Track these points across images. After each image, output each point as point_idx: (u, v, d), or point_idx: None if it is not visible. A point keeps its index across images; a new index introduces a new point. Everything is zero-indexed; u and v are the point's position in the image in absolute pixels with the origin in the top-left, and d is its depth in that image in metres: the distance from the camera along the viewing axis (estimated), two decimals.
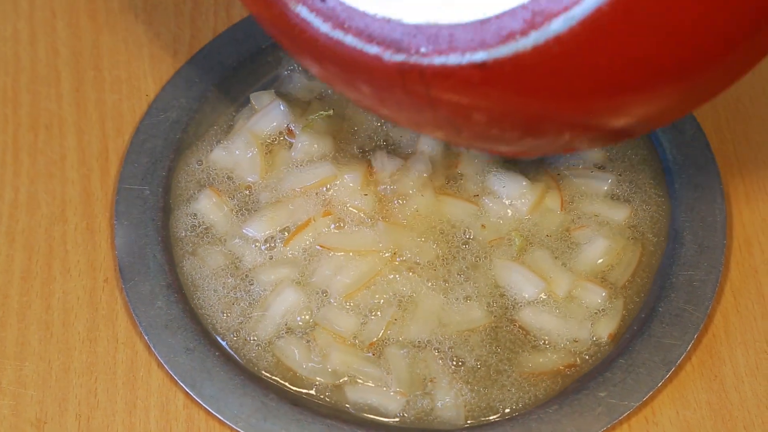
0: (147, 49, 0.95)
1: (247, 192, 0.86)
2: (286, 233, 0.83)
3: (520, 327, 0.80)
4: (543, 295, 0.81)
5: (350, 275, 0.81)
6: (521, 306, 0.81)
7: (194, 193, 0.86)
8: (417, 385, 0.78)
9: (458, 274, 0.82)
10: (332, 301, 0.81)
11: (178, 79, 0.92)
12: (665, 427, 0.77)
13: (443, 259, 0.82)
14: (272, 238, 0.83)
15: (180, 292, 0.81)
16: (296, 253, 0.83)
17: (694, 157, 0.88)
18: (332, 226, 0.83)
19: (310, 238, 0.83)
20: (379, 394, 0.78)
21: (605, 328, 0.80)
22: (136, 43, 0.95)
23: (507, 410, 0.77)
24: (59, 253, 0.84)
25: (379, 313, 0.80)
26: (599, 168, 0.87)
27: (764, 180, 0.88)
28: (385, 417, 0.77)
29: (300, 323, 0.80)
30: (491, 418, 0.77)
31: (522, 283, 0.81)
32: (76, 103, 0.92)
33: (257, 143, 0.87)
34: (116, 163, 0.89)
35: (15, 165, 0.89)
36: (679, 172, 0.87)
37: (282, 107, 0.87)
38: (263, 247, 0.83)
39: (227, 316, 0.81)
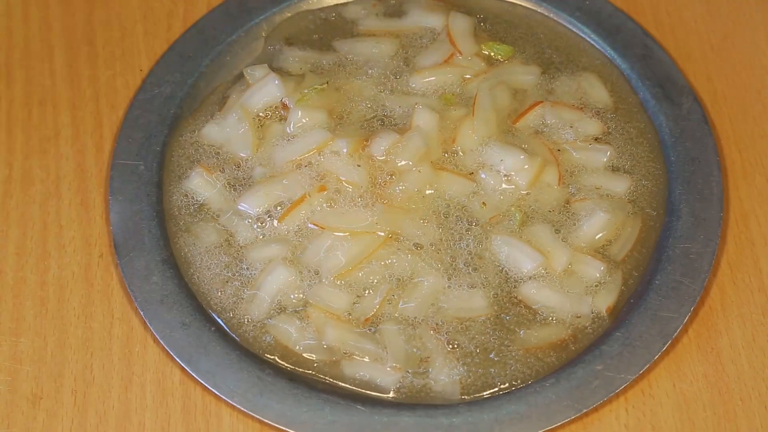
0: (141, 25, 0.94)
1: (239, 167, 0.85)
2: (280, 208, 0.83)
3: (524, 306, 0.80)
4: (543, 270, 0.81)
5: (344, 255, 0.80)
6: (522, 282, 0.80)
7: (187, 170, 0.85)
8: (413, 361, 0.78)
9: (465, 265, 0.81)
10: (324, 280, 0.80)
11: (172, 54, 0.91)
12: (662, 399, 0.77)
13: (446, 243, 0.82)
14: (266, 214, 0.83)
15: (175, 267, 0.81)
16: (290, 229, 0.82)
17: (691, 130, 0.87)
18: (325, 205, 0.82)
19: (305, 216, 0.82)
20: (374, 369, 0.77)
21: (603, 302, 0.80)
22: (130, 19, 0.95)
23: (504, 385, 0.77)
24: (54, 228, 0.84)
25: (371, 291, 0.80)
26: (597, 140, 0.87)
27: (761, 153, 0.88)
28: (381, 392, 0.77)
29: (294, 301, 0.80)
30: (485, 394, 0.77)
31: (521, 258, 0.81)
32: (70, 79, 0.92)
33: (249, 119, 0.86)
34: (110, 138, 0.88)
35: (9, 141, 0.88)
36: (675, 146, 0.87)
37: (276, 81, 0.87)
38: (256, 225, 0.83)
39: (221, 293, 0.80)
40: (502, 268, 0.81)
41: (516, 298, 0.80)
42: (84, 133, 0.89)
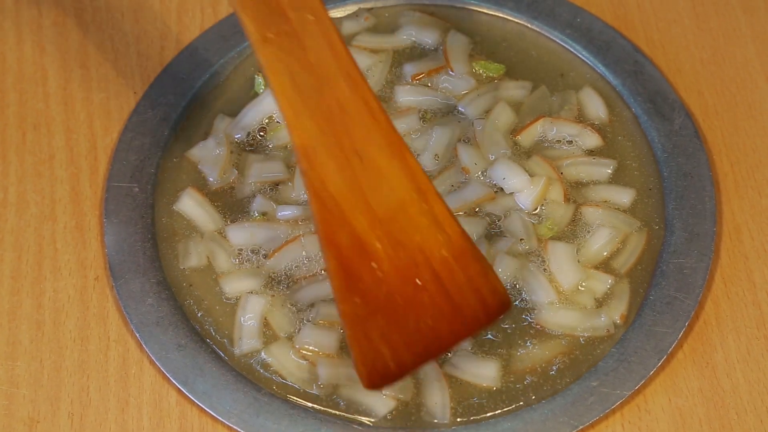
0: (134, 47, 0.95)
1: (231, 190, 0.86)
2: (271, 248, 0.83)
3: (539, 330, 0.80)
4: (555, 295, 0.80)
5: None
6: (537, 308, 0.80)
7: (180, 192, 0.86)
8: (407, 386, 0.78)
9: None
10: (309, 319, 0.80)
11: (166, 76, 0.92)
12: (657, 415, 0.77)
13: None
14: (254, 247, 0.83)
15: (170, 289, 0.81)
16: (279, 264, 0.82)
17: (683, 145, 0.88)
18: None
19: (297, 255, 0.82)
20: (366, 395, 0.77)
21: (616, 312, 0.80)
22: (123, 41, 0.95)
23: (500, 402, 0.77)
24: (49, 252, 0.84)
25: None
26: (595, 154, 0.87)
27: (753, 167, 0.88)
28: (375, 417, 0.77)
29: (284, 334, 0.80)
30: (481, 415, 0.77)
31: (537, 289, 0.80)
32: (64, 102, 0.92)
33: (227, 143, 0.87)
34: (105, 161, 0.89)
35: (3, 165, 0.89)
36: (668, 161, 0.87)
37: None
38: (245, 254, 0.83)
39: (213, 319, 0.80)
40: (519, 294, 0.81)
41: (533, 324, 0.80)
42: (78, 156, 0.89)
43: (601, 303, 0.81)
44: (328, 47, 0.68)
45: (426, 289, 0.69)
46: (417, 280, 0.69)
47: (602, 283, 0.81)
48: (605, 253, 0.83)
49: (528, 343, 0.79)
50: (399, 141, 0.69)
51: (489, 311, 0.71)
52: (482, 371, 0.78)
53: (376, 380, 0.70)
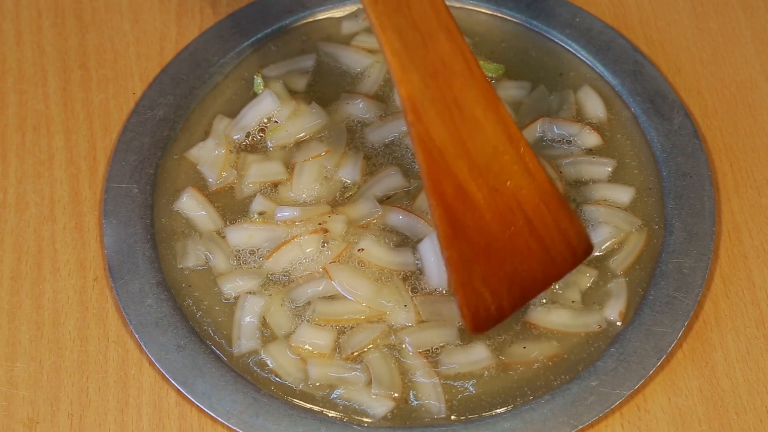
0: (133, 48, 0.95)
1: (225, 192, 0.86)
2: (268, 250, 0.83)
3: (534, 328, 0.80)
4: (549, 293, 0.81)
5: (339, 306, 0.80)
6: (530, 306, 0.80)
7: (179, 192, 0.86)
8: (401, 386, 0.77)
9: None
10: (306, 318, 0.80)
11: (165, 76, 0.92)
12: (657, 414, 0.77)
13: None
14: (252, 249, 0.83)
15: (169, 290, 0.81)
16: (277, 265, 0.82)
17: (682, 145, 0.88)
18: (328, 252, 0.82)
19: (295, 255, 0.82)
20: (364, 395, 0.77)
21: (614, 309, 0.80)
22: (122, 42, 0.95)
23: (499, 401, 0.77)
24: (48, 252, 0.84)
25: (360, 335, 0.80)
26: (594, 153, 0.87)
27: (752, 166, 0.88)
28: (374, 417, 0.77)
29: (284, 333, 0.80)
30: (480, 412, 0.77)
31: None
32: (63, 103, 0.92)
33: (226, 143, 0.87)
34: (104, 161, 0.89)
35: (3, 165, 0.89)
36: (667, 161, 0.87)
37: (271, 96, 0.88)
38: (242, 255, 0.83)
39: (211, 320, 0.80)
40: None
41: (526, 323, 0.80)
42: (78, 157, 0.89)
43: (592, 298, 0.81)
44: (430, 4, 0.71)
45: (521, 234, 0.74)
46: (512, 226, 0.73)
47: (585, 276, 0.81)
48: (605, 251, 0.83)
49: (522, 344, 0.79)
50: (492, 93, 0.72)
51: (576, 254, 0.77)
52: (474, 357, 0.78)
53: (479, 323, 0.75)
